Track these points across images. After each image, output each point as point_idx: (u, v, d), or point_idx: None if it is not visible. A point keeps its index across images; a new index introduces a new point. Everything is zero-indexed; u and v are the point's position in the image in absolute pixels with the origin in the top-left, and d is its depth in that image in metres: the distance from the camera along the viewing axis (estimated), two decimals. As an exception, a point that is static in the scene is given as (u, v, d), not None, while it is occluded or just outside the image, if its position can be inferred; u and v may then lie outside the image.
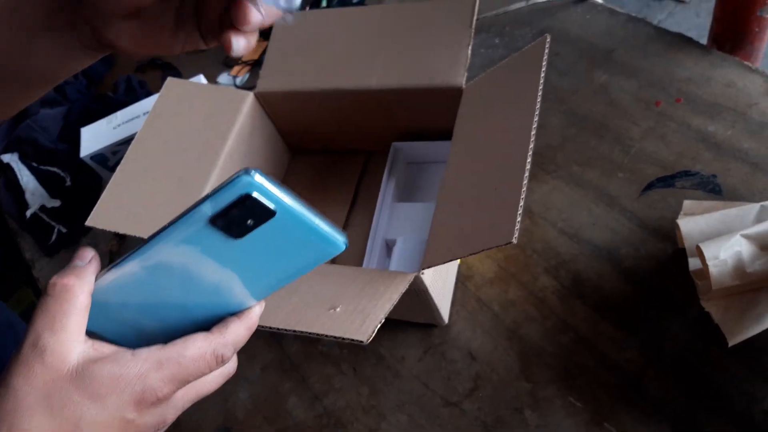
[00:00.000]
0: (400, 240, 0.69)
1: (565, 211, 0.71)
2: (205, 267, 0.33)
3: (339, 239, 0.34)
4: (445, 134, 0.74)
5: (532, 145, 0.53)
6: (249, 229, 0.31)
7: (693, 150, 0.70)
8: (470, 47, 0.68)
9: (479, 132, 0.62)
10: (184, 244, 0.32)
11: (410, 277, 0.55)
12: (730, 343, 0.54)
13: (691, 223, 0.60)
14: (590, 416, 0.57)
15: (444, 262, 0.54)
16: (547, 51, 0.59)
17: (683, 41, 0.80)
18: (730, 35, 0.76)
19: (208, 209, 0.30)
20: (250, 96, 0.77)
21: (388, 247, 0.72)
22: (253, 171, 0.30)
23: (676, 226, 0.63)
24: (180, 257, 0.32)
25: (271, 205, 0.30)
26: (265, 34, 0.92)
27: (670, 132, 0.72)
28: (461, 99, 0.66)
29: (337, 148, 0.85)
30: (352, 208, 0.80)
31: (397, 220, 0.72)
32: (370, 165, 0.83)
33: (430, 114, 0.73)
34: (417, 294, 0.60)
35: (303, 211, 0.32)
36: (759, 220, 0.59)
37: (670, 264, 0.64)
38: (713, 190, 0.67)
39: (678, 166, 0.70)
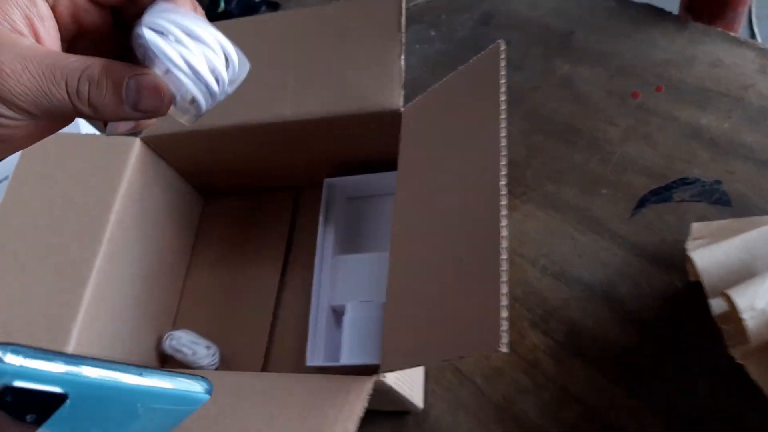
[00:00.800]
0: (349, 308, 0.55)
1: (545, 243, 0.58)
2: None
3: (195, 391, 0.28)
4: (388, 163, 0.60)
5: (503, 191, 0.39)
6: (40, 421, 0.23)
7: (686, 150, 0.58)
8: (403, 57, 0.54)
9: (430, 170, 0.47)
10: None
11: (368, 387, 0.41)
12: (776, 408, 0.43)
13: (706, 256, 0.48)
14: None
15: (408, 367, 0.41)
16: (503, 60, 0.45)
17: (652, 14, 0.67)
18: (707, 1, 0.64)
19: None
20: (136, 143, 0.61)
21: (336, 313, 0.57)
22: (4, 349, 0.21)
23: (688, 258, 0.51)
24: None
25: (55, 389, 0.22)
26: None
27: (654, 130, 0.60)
28: (401, 126, 0.52)
29: (259, 187, 0.69)
30: (287, 261, 0.65)
31: (343, 278, 0.57)
32: (303, 203, 0.68)
33: (363, 143, 0.58)
34: (380, 393, 0.47)
35: (118, 377, 0.24)
36: (788, 241, 0.47)
37: (682, 302, 0.52)
38: (720, 200, 0.55)
39: (671, 173, 0.57)
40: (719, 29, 0.63)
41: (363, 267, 0.57)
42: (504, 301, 0.36)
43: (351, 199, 0.65)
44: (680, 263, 0.53)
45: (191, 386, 0.28)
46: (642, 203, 0.57)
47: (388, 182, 0.61)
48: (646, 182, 0.58)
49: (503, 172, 0.40)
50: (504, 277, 0.36)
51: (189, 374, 0.28)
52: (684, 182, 0.57)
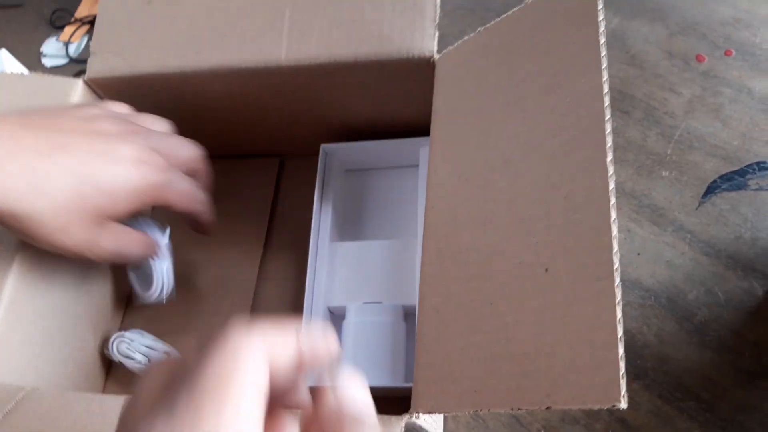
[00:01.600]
0: (352, 310, 0.43)
1: (592, 234, 0.47)
2: None
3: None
4: (403, 131, 0.48)
5: (611, 166, 0.28)
6: None
7: (763, 128, 0.48)
8: (439, -11, 0.41)
9: (479, 140, 0.36)
10: None
11: (398, 430, 0.30)
12: None
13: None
14: None
15: (461, 411, 0.30)
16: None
17: (718, -37, 0.56)
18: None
19: None
20: (78, 86, 0.47)
21: (333, 316, 0.46)
22: None
23: (782, 262, 0.41)
24: None
25: None
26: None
27: (726, 102, 0.50)
28: (435, 79, 0.40)
29: (234, 152, 0.56)
30: (268, 246, 0.52)
31: (342, 271, 0.46)
32: (287, 176, 0.55)
33: (381, 102, 0.46)
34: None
35: None
36: None
37: (765, 315, 0.42)
38: (809, 190, 0.45)
39: (747, 155, 0.47)
40: (800, -15, 0.53)
41: (367, 258, 0.46)
42: (620, 332, 0.25)
43: (352, 171, 0.52)
44: (761, 266, 0.43)
45: None
46: (711, 190, 0.47)
47: (402, 151, 0.49)
48: (716, 165, 0.47)
49: (608, 141, 0.28)
50: (618, 296, 0.25)
51: None
52: (762, 167, 0.47)
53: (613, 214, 0.27)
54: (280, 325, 0.20)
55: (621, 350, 0.24)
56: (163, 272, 0.49)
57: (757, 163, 0.47)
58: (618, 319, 0.25)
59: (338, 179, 0.50)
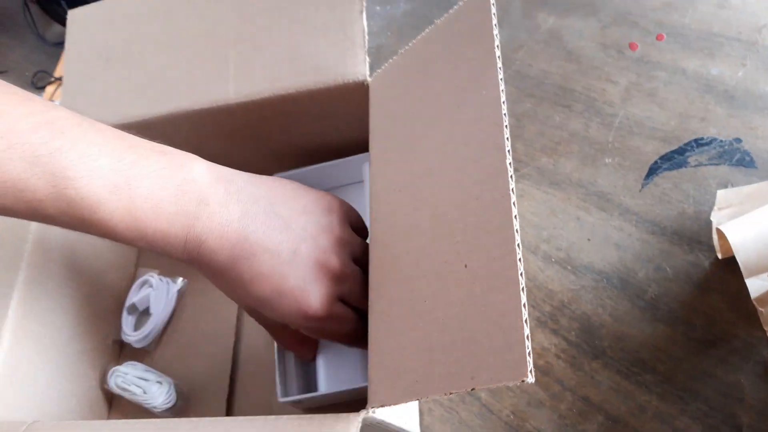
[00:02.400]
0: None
1: (545, 227, 0.49)
2: None
3: None
4: (349, 149, 0.51)
5: (510, 167, 0.31)
6: None
7: (699, 106, 0.50)
8: (364, 15, 0.44)
9: (411, 151, 0.38)
10: None
11: (354, 426, 0.33)
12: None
13: (740, 228, 0.40)
14: None
15: (406, 401, 0.32)
16: (494, 3, 0.36)
17: (644, -47, 0.59)
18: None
19: None
20: (51, 144, 0.50)
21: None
22: None
23: (717, 232, 0.43)
24: None
25: None
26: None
27: (661, 85, 0.52)
28: (369, 99, 0.43)
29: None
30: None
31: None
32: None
33: (324, 126, 0.49)
34: (370, 426, 0.38)
35: None
36: (836, 204, 0.40)
37: (713, 284, 0.44)
38: (742, 161, 0.47)
39: (684, 134, 0.50)
40: (722, -35, 0.55)
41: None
42: (525, 315, 0.27)
43: None
44: (706, 239, 0.46)
45: None
46: (653, 171, 0.49)
47: (344, 171, 0.52)
48: (655, 146, 0.50)
49: (507, 146, 0.31)
50: (522, 284, 0.28)
51: None
52: (699, 143, 0.49)
53: (515, 210, 0.29)
54: None
55: (527, 331, 0.27)
56: (158, 322, 0.53)
57: (695, 140, 0.49)
58: (522, 303, 0.27)
59: None
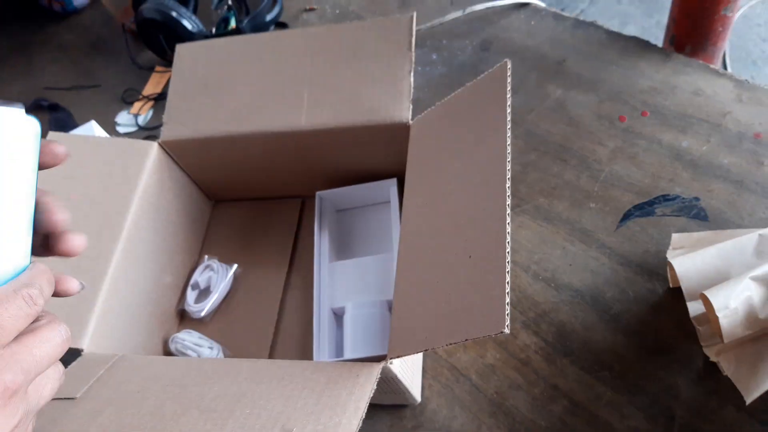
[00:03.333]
0: (349, 307, 0.58)
1: (537, 251, 0.62)
2: None
3: (15, 109, 0.29)
4: (385, 175, 0.64)
5: (509, 194, 0.43)
6: None
7: (669, 170, 0.63)
8: (412, 74, 0.58)
9: (438, 177, 0.52)
10: None
11: (376, 372, 0.45)
12: (748, 401, 0.47)
13: (686, 263, 0.52)
14: (601, 506, 0.49)
15: (416, 352, 0.44)
16: (509, 77, 0.49)
17: (639, 45, 0.73)
18: (691, 36, 0.70)
19: None
20: (154, 147, 0.64)
21: (337, 315, 0.61)
22: None
23: (669, 266, 0.55)
24: None
25: None
26: (168, 61, 0.78)
27: (640, 151, 0.65)
28: (410, 138, 0.56)
29: (267, 195, 0.73)
30: (292, 265, 0.68)
31: (340, 282, 0.61)
32: (306, 213, 0.72)
33: (369, 154, 0.62)
34: (385, 381, 0.50)
35: None
36: (759, 252, 0.52)
37: (664, 307, 0.56)
38: (698, 215, 0.59)
39: (655, 190, 0.62)
40: (700, 61, 0.68)
41: (358, 271, 0.61)
42: (508, 289, 0.39)
43: (341, 210, 0.69)
44: (662, 272, 0.57)
45: (12, 106, 0.29)
46: (627, 217, 0.61)
47: (375, 192, 0.65)
48: (631, 198, 0.62)
49: (508, 177, 0.44)
50: (508, 268, 0.40)
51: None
52: (666, 199, 0.61)
53: (508, 227, 0.42)
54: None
55: (507, 299, 0.39)
56: (217, 299, 0.66)
57: (663, 196, 0.62)
58: (507, 281, 0.40)
59: (331, 215, 0.66)
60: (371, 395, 0.43)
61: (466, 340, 0.40)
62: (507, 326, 0.38)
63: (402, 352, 0.45)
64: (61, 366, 0.32)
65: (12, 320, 0.28)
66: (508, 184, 0.44)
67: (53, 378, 0.32)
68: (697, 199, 0.60)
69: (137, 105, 0.92)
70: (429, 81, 0.78)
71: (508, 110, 0.47)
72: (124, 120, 0.90)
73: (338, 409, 0.42)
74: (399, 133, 0.57)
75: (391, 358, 0.45)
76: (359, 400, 0.42)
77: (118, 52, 1.01)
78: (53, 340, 0.31)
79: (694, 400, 0.51)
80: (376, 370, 0.45)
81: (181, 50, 0.70)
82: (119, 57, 1.00)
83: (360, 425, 0.39)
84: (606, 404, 0.52)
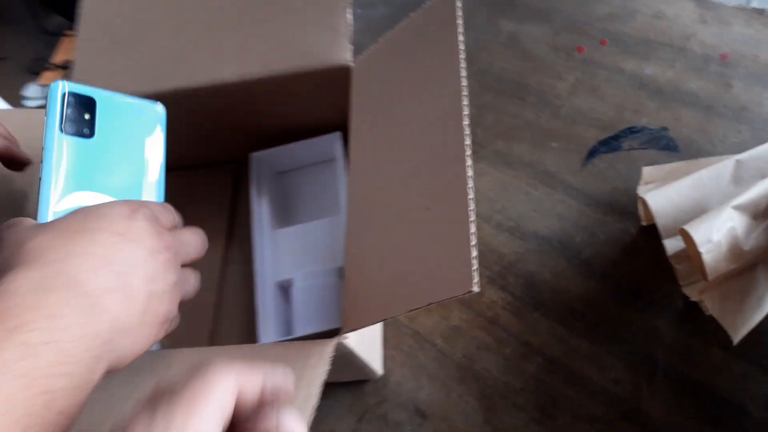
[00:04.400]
0: (297, 279, 0.52)
1: (498, 199, 0.57)
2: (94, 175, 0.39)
3: (155, 104, 0.45)
4: (328, 129, 0.58)
5: (468, 133, 0.38)
6: (91, 124, 0.39)
7: (633, 100, 0.58)
8: (350, 12, 0.51)
9: (387, 124, 0.45)
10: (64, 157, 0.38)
11: (329, 350, 0.39)
12: (735, 340, 0.43)
13: (659, 197, 0.48)
14: (587, 468, 0.45)
15: (374, 323, 0.39)
16: (459, 7, 0.43)
17: (592, -30, 0.67)
18: (645, -44, 0.64)
19: (53, 123, 0.37)
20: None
21: (283, 289, 0.55)
22: (59, 81, 0.39)
23: (641, 201, 0.51)
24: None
25: (87, 93, 0.40)
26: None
27: (602, 82, 0.60)
28: (351, 81, 0.50)
29: (195, 162, 0.66)
30: (230, 238, 0.61)
31: (284, 252, 0.55)
32: (243, 178, 0.65)
33: (307, 106, 0.56)
34: (340, 358, 0.45)
35: (114, 93, 0.42)
36: (737, 179, 0.48)
37: (637, 247, 0.52)
38: (667, 146, 0.55)
39: (620, 123, 0.58)
40: (658, -18, 0.63)
41: (304, 238, 0.55)
42: (473, 241, 0.34)
43: (280, 173, 0.62)
44: (633, 210, 0.53)
45: (151, 102, 0.46)
46: (592, 154, 0.57)
47: (318, 149, 0.58)
48: (595, 133, 0.58)
49: (466, 115, 0.38)
50: (472, 217, 0.35)
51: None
52: (632, 131, 0.57)
53: (470, 171, 0.36)
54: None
55: (474, 253, 0.34)
56: None
57: (629, 128, 0.57)
58: (471, 232, 0.34)
59: (270, 179, 0.59)
60: (325, 377, 0.37)
61: (430, 304, 0.35)
62: (476, 284, 0.33)
63: (358, 324, 0.39)
64: (199, 274, 0.39)
65: (164, 219, 0.37)
66: (467, 122, 0.38)
67: (192, 277, 0.38)
68: (665, 128, 0.56)
69: (47, 75, 0.82)
70: (370, 24, 0.71)
71: (461, 38, 0.41)
72: (33, 93, 0.81)
73: (288, 395, 0.36)
74: (339, 79, 0.51)
75: (345, 333, 0.40)
76: (310, 386, 0.37)
77: (23, 19, 0.90)
78: (197, 233, 0.39)
79: (677, 344, 0.47)
80: (329, 347, 0.39)
81: (88, 2, 0.61)
82: (24, 24, 0.90)
83: (313, 414, 0.34)
84: (583, 357, 0.48)
